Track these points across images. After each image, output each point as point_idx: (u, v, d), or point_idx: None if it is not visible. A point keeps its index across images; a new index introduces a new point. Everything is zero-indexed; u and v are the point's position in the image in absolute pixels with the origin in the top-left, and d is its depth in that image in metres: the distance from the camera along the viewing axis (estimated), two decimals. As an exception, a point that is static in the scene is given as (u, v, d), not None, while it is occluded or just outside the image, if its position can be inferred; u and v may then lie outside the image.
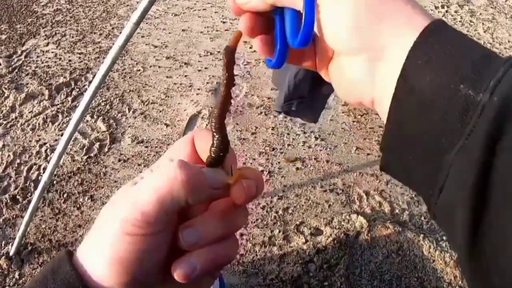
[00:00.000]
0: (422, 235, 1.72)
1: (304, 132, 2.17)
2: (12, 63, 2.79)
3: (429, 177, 0.35)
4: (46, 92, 2.52)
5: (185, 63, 2.68)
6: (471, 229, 0.32)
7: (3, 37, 3.06)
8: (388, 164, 0.40)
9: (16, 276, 1.71)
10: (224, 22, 2.99)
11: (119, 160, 2.12)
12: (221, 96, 0.41)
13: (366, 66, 0.37)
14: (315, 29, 0.39)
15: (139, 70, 2.66)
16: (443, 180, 0.34)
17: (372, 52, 0.36)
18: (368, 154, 2.08)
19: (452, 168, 0.33)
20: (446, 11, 3.22)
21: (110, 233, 0.36)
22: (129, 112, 2.38)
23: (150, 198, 0.35)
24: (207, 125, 2.23)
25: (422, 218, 1.82)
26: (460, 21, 3.11)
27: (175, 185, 0.35)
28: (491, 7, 3.25)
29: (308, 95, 1.49)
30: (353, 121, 2.22)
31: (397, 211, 1.85)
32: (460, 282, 1.60)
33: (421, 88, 0.33)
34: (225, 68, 0.41)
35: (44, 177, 1.57)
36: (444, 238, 1.73)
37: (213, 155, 0.41)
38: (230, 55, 0.40)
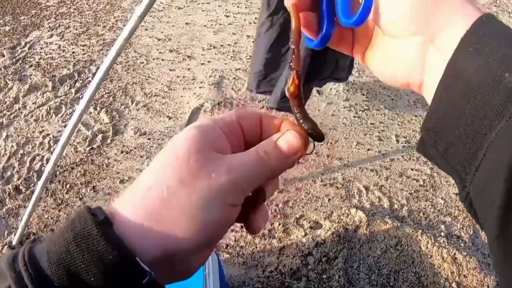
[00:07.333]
0: (420, 230, 1.73)
1: (305, 127, 2.17)
2: (16, 54, 2.79)
3: (467, 156, 0.36)
4: (50, 84, 2.53)
5: (188, 57, 2.68)
6: (506, 204, 0.33)
7: (7, 28, 3.06)
8: (425, 145, 0.42)
9: (18, 265, 1.73)
10: (227, 16, 3.00)
11: (122, 152, 2.13)
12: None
13: (419, 50, 0.39)
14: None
15: (142, 62, 2.67)
16: (481, 158, 0.35)
17: (427, 35, 0.38)
18: (368, 149, 2.08)
19: (491, 147, 0.34)
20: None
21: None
22: (132, 104, 2.39)
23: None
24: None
25: (421, 214, 1.83)
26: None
27: None
28: (495, 5, 3.24)
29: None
30: (354, 117, 2.23)
31: (396, 206, 1.86)
32: (457, 278, 1.62)
33: (469, 74, 0.35)
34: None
35: (48, 167, 1.58)
36: (442, 234, 1.74)
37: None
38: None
